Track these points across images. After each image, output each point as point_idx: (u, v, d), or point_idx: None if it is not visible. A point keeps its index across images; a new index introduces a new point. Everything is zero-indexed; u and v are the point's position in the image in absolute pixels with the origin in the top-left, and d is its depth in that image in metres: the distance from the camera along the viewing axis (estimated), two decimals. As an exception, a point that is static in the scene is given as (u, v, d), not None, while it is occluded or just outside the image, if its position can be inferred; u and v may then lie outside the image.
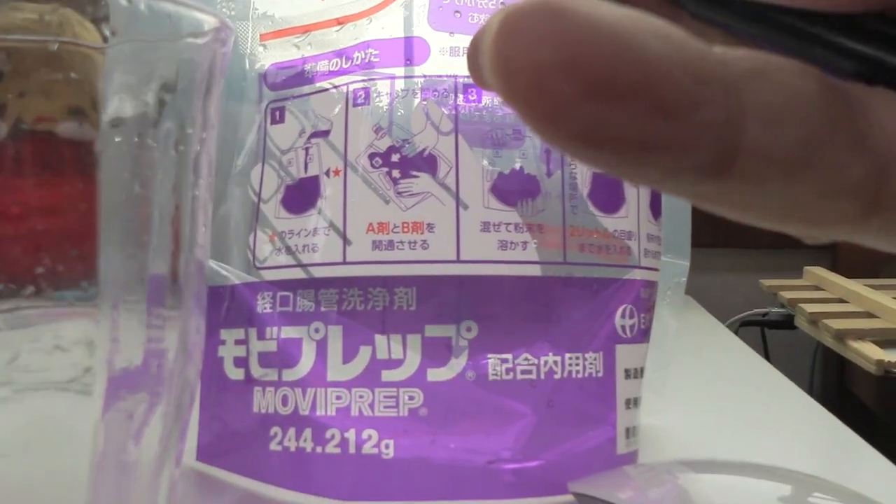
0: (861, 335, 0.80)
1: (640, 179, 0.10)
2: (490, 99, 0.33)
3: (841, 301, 0.93)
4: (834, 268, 1.10)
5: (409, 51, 0.33)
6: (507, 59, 0.09)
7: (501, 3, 0.35)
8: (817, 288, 1.01)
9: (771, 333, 1.04)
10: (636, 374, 0.36)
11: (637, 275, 0.36)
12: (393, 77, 0.33)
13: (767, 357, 0.95)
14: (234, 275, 0.35)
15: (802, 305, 0.90)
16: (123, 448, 0.17)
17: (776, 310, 1.01)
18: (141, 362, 0.17)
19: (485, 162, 0.33)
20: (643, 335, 0.36)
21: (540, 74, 0.09)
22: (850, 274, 1.01)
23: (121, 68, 0.17)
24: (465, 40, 0.34)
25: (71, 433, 0.17)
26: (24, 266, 0.16)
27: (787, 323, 0.97)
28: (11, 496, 0.17)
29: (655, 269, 0.37)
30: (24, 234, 0.16)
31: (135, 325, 0.17)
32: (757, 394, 0.58)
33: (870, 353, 0.75)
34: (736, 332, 0.89)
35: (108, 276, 0.17)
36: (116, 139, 0.17)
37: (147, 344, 0.18)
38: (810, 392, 0.64)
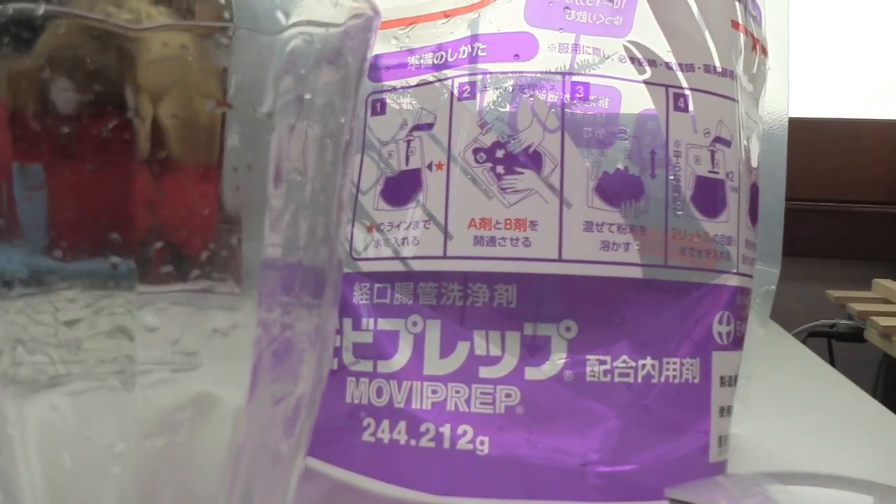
0: (936, 351, 0.78)
1: None
2: (597, 97, 0.33)
3: (913, 315, 0.90)
4: (902, 281, 1.07)
5: (517, 46, 0.33)
6: None
7: None
8: (887, 301, 0.98)
9: (837, 346, 1.02)
10: (730, 381, 0.35)
11: (734, 281, 0.35)
12: (500, 72, 0.33)
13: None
14: (328, 264, 0.35)
15: (875, 318, 0.88)
16: (268, 436, 0.17)
17: (844, 321, 0.99)
18: (286, 350, 0.17)
19: (590, 161, 0.32)
20: (738, 343, 0.36)
21: None
22: (919, 288, 0.99)
23: (281, 56, 0.17)
24: (572, 37, 0.33)
25: (220, 418, 0.17)
26: (188, 249, 0.16)
27: (855, 335, 0.95)
28: (151, 479, 0.17)
29: (751, 276, 0.37)
30: (187, 221, 0.16)
31: (280, 313, 0.17)
32: (831, 404, 0.57)
33: (947, 371, 0.73)
34: (803, 343, 0.87)
35: (255, 262, 0.17)
36: (272, 128, 0.17)
37: (290, 332, 0.18)
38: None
